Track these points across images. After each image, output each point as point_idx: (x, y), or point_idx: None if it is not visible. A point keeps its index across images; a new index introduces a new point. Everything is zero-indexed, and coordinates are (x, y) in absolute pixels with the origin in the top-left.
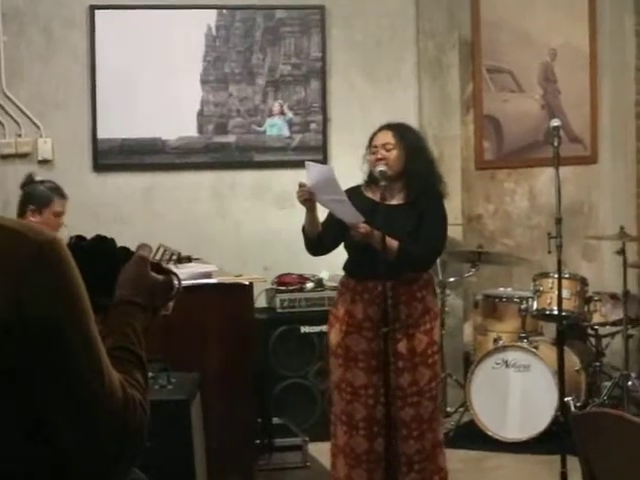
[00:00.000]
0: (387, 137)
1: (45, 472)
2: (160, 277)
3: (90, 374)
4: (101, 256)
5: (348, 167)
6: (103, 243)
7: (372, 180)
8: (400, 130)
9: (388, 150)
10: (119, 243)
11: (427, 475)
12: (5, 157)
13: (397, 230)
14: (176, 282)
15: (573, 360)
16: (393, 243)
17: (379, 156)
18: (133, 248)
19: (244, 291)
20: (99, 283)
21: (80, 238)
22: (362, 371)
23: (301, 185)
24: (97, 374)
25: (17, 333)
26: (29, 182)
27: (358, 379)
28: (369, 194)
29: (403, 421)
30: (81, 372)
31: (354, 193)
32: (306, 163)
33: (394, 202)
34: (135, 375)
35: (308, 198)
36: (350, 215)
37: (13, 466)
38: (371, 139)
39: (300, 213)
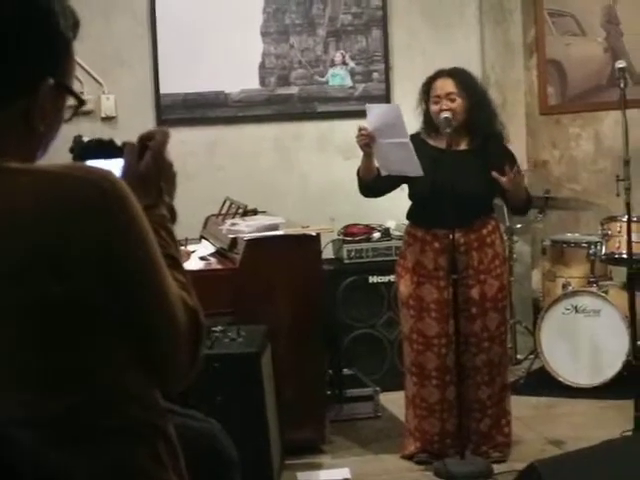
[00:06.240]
0: (449, 86)
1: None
2: (156, 165)
3: (161, 308)
4: (105, 153)
5: (412, 115)
6: (104, 142)
7: (433, 128)
8: (461, 78)
9: (452, 100)
10: (186, 198)
11: (496, 419)
12: None
13: (466, 174)
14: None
15: None
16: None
17: (444, 107)
18: (199, 205)
19: (312, 242)
20: None
21: (81, 138)
22: (435, 320)
23: (361, 128)
24: (167, 306)
25: (104, 271)
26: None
27: (431, 329)
28: (431, 142)
29: (475, 367)
30: (155, 308)
31: (415, 140)
32: (367, 105)
33: (460, 148)
34: (178, 277)
35: (367, 142)
36: (409, 162)
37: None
38: (429, 85)
39: None
